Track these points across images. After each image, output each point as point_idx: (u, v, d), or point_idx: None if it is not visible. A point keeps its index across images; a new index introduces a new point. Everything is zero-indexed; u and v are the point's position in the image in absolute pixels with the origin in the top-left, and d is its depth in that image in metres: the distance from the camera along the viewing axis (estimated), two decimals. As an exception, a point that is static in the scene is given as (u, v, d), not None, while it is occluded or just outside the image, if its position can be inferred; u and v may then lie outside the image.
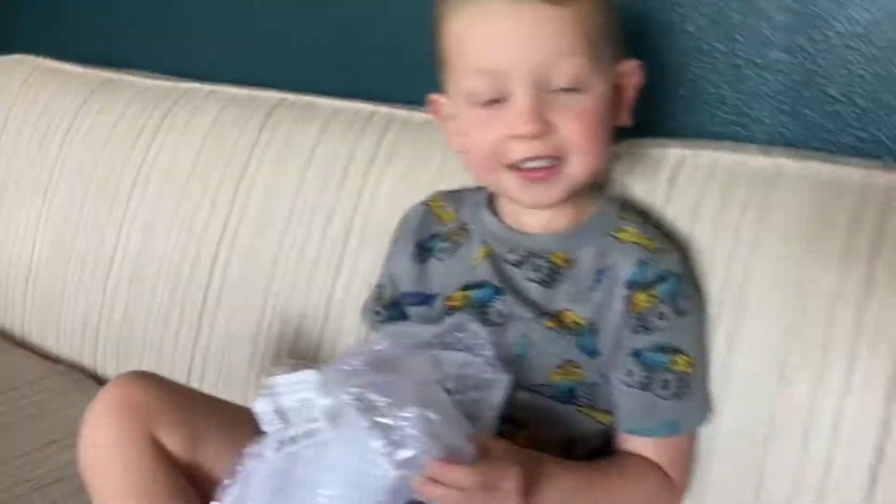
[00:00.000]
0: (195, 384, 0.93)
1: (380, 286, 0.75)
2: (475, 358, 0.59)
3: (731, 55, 0.82)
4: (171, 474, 0.59)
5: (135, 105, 1.06)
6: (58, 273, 1.06)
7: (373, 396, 0.50)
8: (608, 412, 0.65)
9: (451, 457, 0.50)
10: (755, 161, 0.70)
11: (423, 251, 0.71)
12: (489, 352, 0.59)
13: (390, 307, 0.73)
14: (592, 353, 0.63)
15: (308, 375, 0.51)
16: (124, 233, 1.01)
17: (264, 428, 0.52)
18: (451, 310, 0.66)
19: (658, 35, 0.85)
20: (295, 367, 0.52)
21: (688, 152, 0.73)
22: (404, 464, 0.49)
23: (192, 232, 0.96)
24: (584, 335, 0.63)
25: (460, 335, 0.60)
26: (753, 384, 0.65)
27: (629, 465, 0.63)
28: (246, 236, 0.93)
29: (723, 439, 0.66)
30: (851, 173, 0.66)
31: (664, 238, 0.67)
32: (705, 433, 0.67)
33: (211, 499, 0.62)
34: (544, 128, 0.60)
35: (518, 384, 0.63)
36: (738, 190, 0.69)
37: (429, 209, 0.74)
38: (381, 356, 0.57)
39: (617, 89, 0.64)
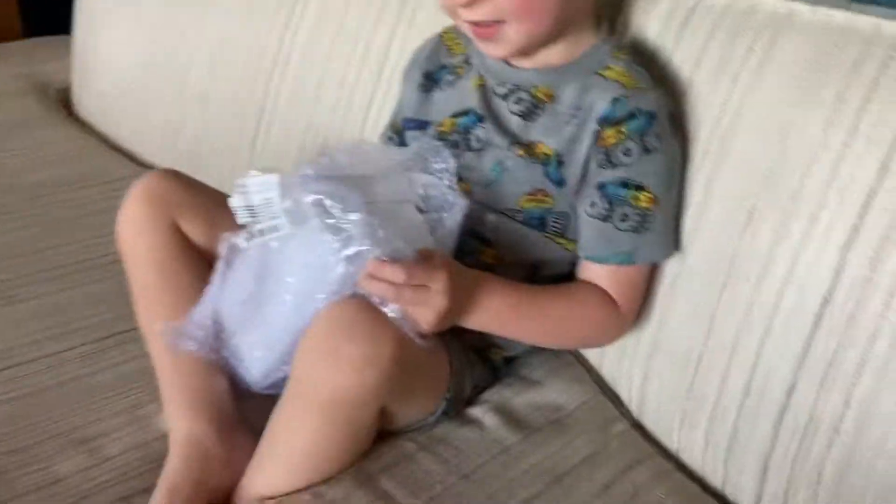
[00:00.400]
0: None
1: (394, 113, 0.81)
2: (440, 181, 0.65)
3: None
4: (188, 253, 0.71)
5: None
6: (143, 86, 1.18)
7: (327, 202, 0.57)
8: (576, 241, 0.69)
9: (392, 258, 0.57)
10: (768, 5, 0.68)
11: (430, 81, 0.76)
12: (453, 177, 0.64)
13: (400, 132, 0.79)
14: (559, 182, 0.67)
15: (271, 178, 0.59)
16: (197, 52, 1.10)
17: (238, 221, 0.61)
18: (440, 134, 0.72)
19: None
20: (265, 171, 0.60)
21: (704, -7, 0.72)
22: (349, 259, 0.57)
23: (251, 54, 1.04)
24: (552, 165, 0.67)
25: (431, 159, 0.65)
26: (721, 228, 0.67)
27: (578, 289, 0.68)
28: (295, 63, 1.00)
29: (685, 280, 0.69)
30: (861, 21, 0.63)
31: (649, 78, 0.68)
32: (669, 273, 0.70)
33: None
34: None
35: (491, 207, 0.68)
36: (746, 35, 0.68)
37: (441, 41, 0.78)
38: (350, 168, 0.64)
39: None
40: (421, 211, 0.65)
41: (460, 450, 0.66)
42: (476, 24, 0.65)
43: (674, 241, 0.68)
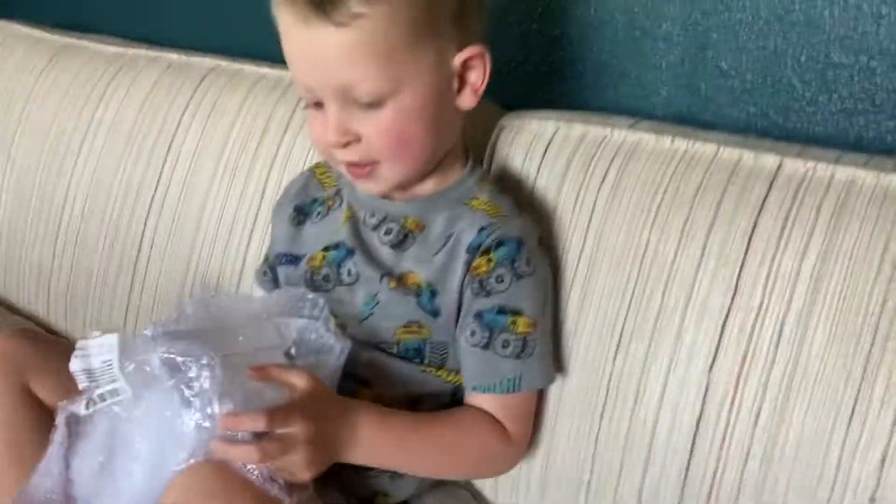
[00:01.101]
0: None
1: (268, 248, 0.80)
2: (316, 323, 0.63)
3: (629, 27, 0.83)
4: (39, 417, 0.66)
5: (87, 70, 1.11)
6: (18, 229, 1.13)
7: (177, 359, 0.54)
8: (456, 371, 0.68)
9: (248, 408, 0.55)
10: (618, 134, 0.72)
11: (302, 215, 0.75)
12: (328, 320, 0.63)
13: (273, 268, 0.77)
14: (434, 313, 0.67)
15: (110, 338, 0.56)
16: (72, 191, 1.07)
17: (79, 385, 0.58)
18: (311, 269, 0.71)
19: (565, 8, 0.86)
20: (106, 331, 0.57)
21: (561, 124, 0.75)
22: (201, 418, 0.54)
23: (129, 192, 1.02)
24: (424, 295, 0.67)
25: (301, 306, 0.64)
26: (596, 351, 0.68)
27: (465, 416, 0.67)
28: (174, 198, 0.98)
29: (567, 405, 0.69)
30: (703, 149, 0.67)
31: (513, 206, 0.69)
32: (552, 398, 0.70)
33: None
34: (351, 138, 0.63)
35: (367, 342, 0.67)
36: (600, 163, 0.71)
37: (313, 175, 0.78)
38: (202, 321, 0.62)
39: (459, 75, 0.65)
40: (291, 357, 0.62)
41: None
42: (351, 164, 0.66)
43: (554, 365, 0.68)
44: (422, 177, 0.69)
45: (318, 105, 0.64)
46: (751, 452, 0.59)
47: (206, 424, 0.54)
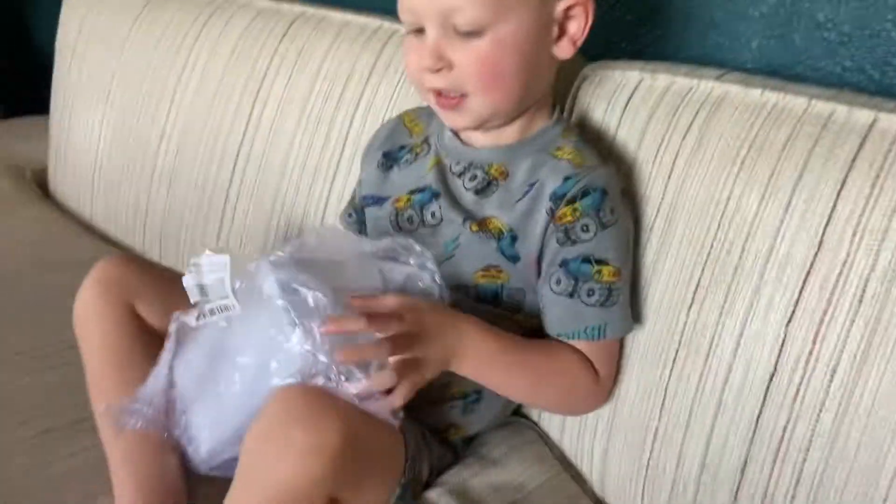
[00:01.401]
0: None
1: (354, 191, 0.82)
2: (422, 272, 0.65)
3: (721, -25, 0.81)
4: (144, 337, 0.71)
5: (179, 17, 1.15)
6: (116, 167, 1.20)
7: (292, 284, 0.58)
8: (531, 316, 0.70)
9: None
10: (705, 86, 0.71)
11: (390, 160, 0.78)
12: (435, 270, 0.65)
13: (359, 210, 0.80)
14: (513, 258, 0.68)
15: (222, 258, 0.60)
16: (167, 134, 1.13)
17: (191, 300, 0.62)
18: (396, 210, 0.73)
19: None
20: (219, 251, 0.61)
21: (646, 75, 0.74)
22: (303, 338, 0.57)
23: (219, 136, 1.06)
24: (505, 240, 0.68)
25: (408, 253, 0.66)
26: (669, 304, 0.68)
27: (561, 347, 0.68)
28: (261, 143, 1.02)
29: (638, 355, 0.70)
30: (791, 101, 0.66)
31: (597, 157, 0.70)
32: (626, 341, 0.71)
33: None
34: (444, 64, 0.64)
35: (447, 283, 0.69)
36: (684, 115, 0.70)
37: (401, 122, 0.80)
38: (319, 252, 0.64)
39: (560, 23, 0.66)
40: None
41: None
42: (440, 94, 0.67)
43: (633, 315, 0.69)
44: (507, 119, 0.69)
45: (419, 32, 0.66)
46: (825, 406, 0.59)
47: (308, 347, 0.57)
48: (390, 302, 0.61)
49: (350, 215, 0.81)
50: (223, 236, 1.06)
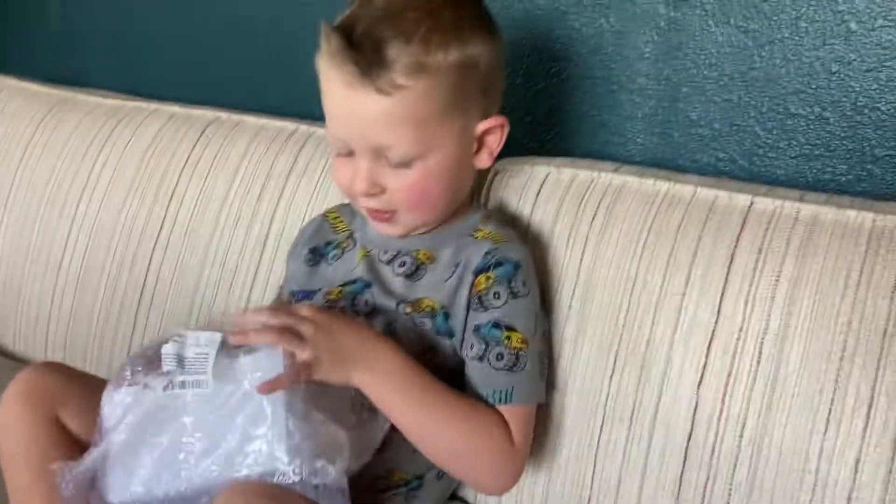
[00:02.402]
0: (130, 377, 1.03)
1: (281, 287, 0.84)
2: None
3: (607, 82, 0.92)
4: (69, 447, 0.68)
5: (86, 122, 1.16)
6: (14, 276, 1.15)
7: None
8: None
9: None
10: (605, 177, 0.79)
11: (317, 256, 0.80)
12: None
13: (287, 304, 0.82)
14: (448, 333, 0.71)
15: (215, 336, 0.60)
16: (72, 239, 1.10)
17: (164, 367, 0.61)
18: (328, 301, 0.76)
19: (550, 63, 0.95)
20: (201, 328, 0.62)
21: (552, 169, 0.82)
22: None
23: (131, 239, 1.05)
24: (439, 316, 0.71)
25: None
26: (593, 374, 0.73)
27: (480, 406, 0.69)
28: (176, 245, 1.02)
29: (569, 423, 0.74)
30: (682, 189, 0.75)
31: (515, 235, 0.76)
32: (556, 415, 0.75)
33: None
34: (378, 190, 0.70)
35: None
36: (590, 203, 0.78)
37: (325, 220, 0.83)
38: None
39: (479, 139, 0.73)
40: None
41: None
42: (372, 210, 0.72)
43: (543, 386, 0.72)
44: (436, 224, 0.75)
45: (349, 154, 0.70)
46: (739, 460, 0.65)
47: (285, 459, 0.59)
48: (304, 310, 0.65)
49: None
50: (136, 340, 1.04)
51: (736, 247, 0.69)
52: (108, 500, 0.63)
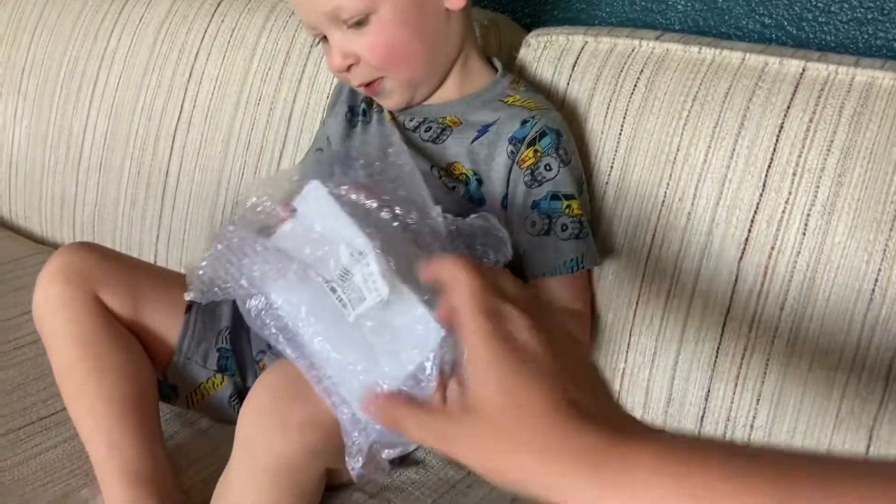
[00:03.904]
0: (161, 259, 1.03)
1: (319, 150, 0.82)
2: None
3: (648, -59, 0.86)
4: (111, 325, 0.69)
5: (94, 0, 1.11)
6: (35, 161, 1.14)
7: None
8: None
9: None
10: (646, 46, 0.75)
11: (354, 117, 0.78)
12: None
13: None
14: (479, 201, 0.70)
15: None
16: (91, 120, 1.08)
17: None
18: None
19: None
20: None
21: (589, 39, 0.78)
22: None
23: (151, 120, 1.03)
24: (472, 184, 0.70)
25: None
26: (629, 253, 0.72)
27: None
28: (199, 125, 1.00)
29: (603, 299, 0.74)
30: (729, 57, 0.71)
31: (547, 101, 0.73)
32: (591, 286, 0.75)
33: (152, 350, 0.72)
34: (352, 60, 0.68)
35: None
36: (630, 74, 0.74)
37: None
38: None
39: None
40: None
41: (408, 493, 0.67)
42: (361, 85, 0.71)
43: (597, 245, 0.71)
44: (433, 82, 0.72)
45: (323, 38, 0.69)
46: (778, 333, 0.65)
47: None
48: None
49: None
50: (164, 221, 1.03)
51: (786, 116, 0.66)
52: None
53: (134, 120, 1.05)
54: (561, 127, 0.70)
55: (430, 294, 0.48)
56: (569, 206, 0.68)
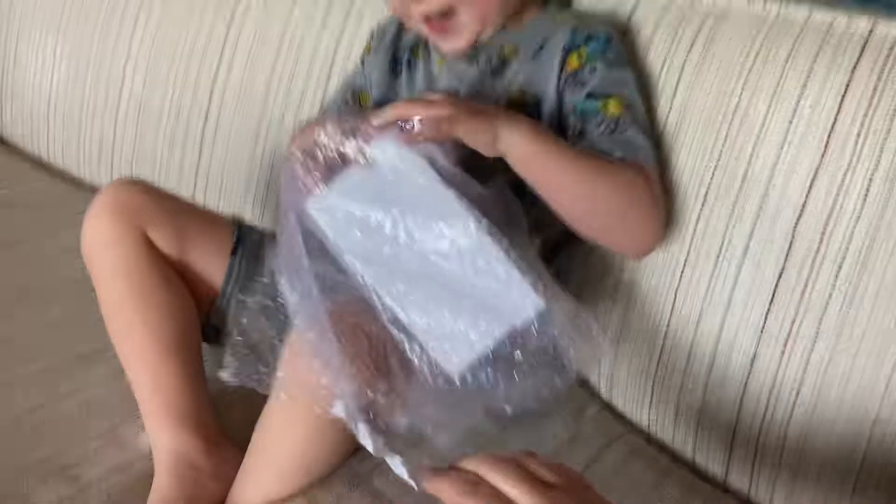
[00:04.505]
0: (199, 204, 1.03)
1: (352, 89, 0.80)
2: None
3: None
4: (158, 264, 0.69)
5: (137, -64, 1.09)
6: (74, 102, 1.13)
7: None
8: None
9: None
10: (707, 0, 0.72)
11: (398, 65, 0.76)
12: None
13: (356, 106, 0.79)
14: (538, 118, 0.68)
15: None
16: (131, 61, 1.07)
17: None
18: None
19: None
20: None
21: (647, -12, 0.75)
22: None
23: (191, 62, 1.02)
24: (532, 107, 0.68)
25: None
26: (679, 211, 0.71)
27: (620, 162, 0.64)
28: (239, 69, 0.98)
29: (647, 259, 0.73)
30: (794, 13, 0.68)
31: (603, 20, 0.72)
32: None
33: (197, 292, 0.73)
34: None
35: None
36: (689, 28, 0.72)
37: (400, 24, 0.77)
38: None
39: None
40: None
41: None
42: (430, 20, 0.67)
43: (653, 151, 0.67)
44: (498, 27, 0.69)
45: None
46: (831, 300, 0.64)
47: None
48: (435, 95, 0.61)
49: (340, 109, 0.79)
50: (202, 166, 1.03)
51: (852, 76, 0.64)
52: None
53: (174, 62, 1.04)
54: (611, 35, 0.68)
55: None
56: (605, 105, 0.65)
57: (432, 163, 0.57)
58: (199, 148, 1.02)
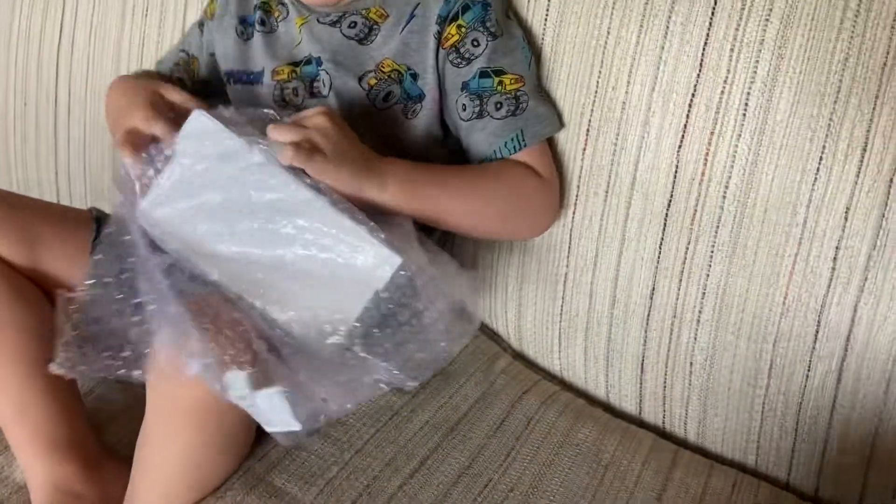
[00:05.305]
0: (64, 197, 0.95)
1: (185, 52, 0.74)
2: None
3: None
4: (7, 277, 0.62)
5: None
6: None
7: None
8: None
9: None
10: (567, -82, 0.67)
11: (248, 28, 0.70)
12: None
13: (199, 82, 0.73)
14: (419, 96, 0.65)
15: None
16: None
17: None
18: (281, 84, 0.67)
19: None
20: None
21: (505, -88, 0.70)
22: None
23: (31, 43, 0.92)
24: (406, 81, 0.64)
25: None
26: (564, 149, 0.68)
27: (495, 164, 0.64)
28: (83, 43, 0.89)
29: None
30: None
31: None
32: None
33: (53, 296, 0.66)
34: None
35: None
36: (552, -50, 0.67)
37: None
38: None
39: None
40: None
41: (349, 425, 0.64)
42: None
43: (556, 114, 0.66)
44: None
45: None
46: (721, 222, 0.62)
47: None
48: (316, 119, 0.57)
49: (180, 80, 0.73)
50: (60, 155, 0.94)
51: (720, -14, 0.60)
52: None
53: (11, 46, 0.93)
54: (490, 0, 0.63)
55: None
56: (500, 83, 0.62)
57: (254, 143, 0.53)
58: (54, 138, 0.93)
